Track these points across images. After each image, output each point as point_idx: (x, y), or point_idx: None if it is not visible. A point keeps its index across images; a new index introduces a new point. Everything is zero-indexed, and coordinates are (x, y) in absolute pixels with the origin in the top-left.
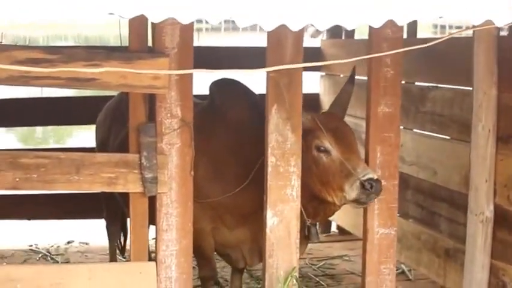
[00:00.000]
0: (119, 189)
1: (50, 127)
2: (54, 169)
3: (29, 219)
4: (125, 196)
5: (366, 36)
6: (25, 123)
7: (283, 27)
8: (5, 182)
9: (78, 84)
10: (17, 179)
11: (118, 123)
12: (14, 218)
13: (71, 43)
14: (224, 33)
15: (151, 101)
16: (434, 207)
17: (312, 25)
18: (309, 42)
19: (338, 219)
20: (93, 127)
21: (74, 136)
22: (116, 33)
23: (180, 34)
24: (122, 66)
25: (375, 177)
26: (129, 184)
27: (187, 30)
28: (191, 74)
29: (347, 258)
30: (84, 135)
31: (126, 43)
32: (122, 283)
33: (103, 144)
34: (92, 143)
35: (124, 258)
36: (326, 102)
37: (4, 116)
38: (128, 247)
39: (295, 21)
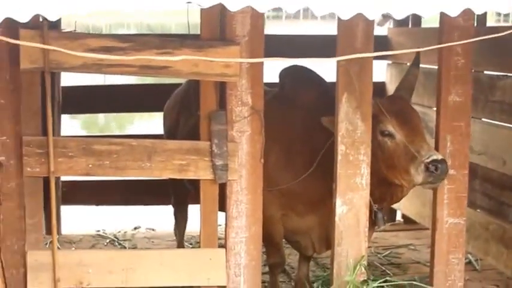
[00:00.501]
0: (190, 176)
1: (112, 114)
2: (126, 156)
3: (96, 204)
4: (194, 182)
5: (431, 25)
6: (90, 110)
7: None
8: (78, 168)
9: (150, 72)
10: (90, 165)
11: (186, 110)
12: (83, 203)
13: (133, 31)
14: (285, 21)
15: (222, 89)
16: (502, 197)
17: (389, 14)
18: (375, 30)
19: (403, 208)
20: (154, 115)
21: (135, 123)
22: (178, 21)
23: (251, 22)
24: (194, 54)
25: (439, 157)
26: (200, 171)
27: (258, 19)
28: (262, 62)
29: (412, 247)
30: (145, 123)
31: (189, 31)
32: (191, 269)
33: (171, 132)
34: (153, 130)
35: (190, 244)
36: (391, 90)
37: (70, 103)
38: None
39: (372, 10)
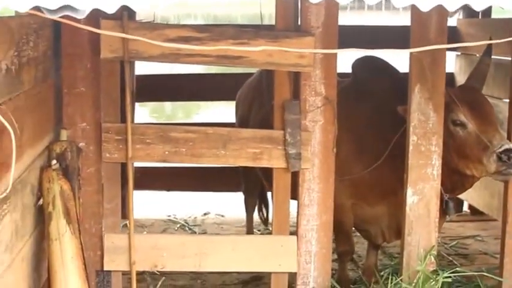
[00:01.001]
0: (264, 164)
1: (178, 102)
2: (202, 143)
3: (168, 190)
4: (266, 170)
5: (501, 16)
6: (159, 98)
7: None
8: (155, 154)
9: (226, 62)
10: (166, 152)
11: (259, 100)
12: (154, 188)
13: (200, 22)
14: (349, 12)
15: (295, 78)
16: None
17: (469, 5)
18: None
19: (470, 199)
20: (219, 103)
21: (200, 112)
22: (244, 12)
23: (325, 13)
24: (269, 45)
25: None
26: (273, 160)
27: (332, 10)
28: (335, 53)
29: (480, 238)
30: (211, 111)
31: (257, 21)
32: (263, 255)
33: (243, 120)
34: (217, 119)
35: (267, 229)
36: (460, 82)
37: (140, 91)
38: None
39: (452, 1)
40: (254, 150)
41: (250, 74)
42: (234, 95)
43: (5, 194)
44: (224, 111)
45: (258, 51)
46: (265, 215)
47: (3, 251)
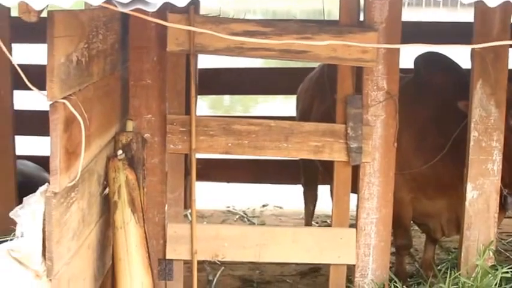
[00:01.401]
0: (325, 157)
1: (237, 96)
2: (265, 136)
3: (227, 182)
4: (325, 163)
5: None
6: (219, 91)
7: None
8: (218, 146)
9: (290, 56)
10: (229, 144)
11: (320, 94)
12: (214, 180)
13: (259, 17)
14: (407, 8)
15: (358, 73)
16: None
17: None
18: None
19: None
20: (277, 97)
21: (258, 105)
22: (302, 8)
23: (388, 9)
24: (333, 40)
25: None
26: (335, 153)
27: (395, 5)
28: (398, 48)
29: None
30: (269, 105)
31: (316, 17)
32: (322, 247)
33: (304, 114)
34: (275, 112)
35: (325, 222)
36: None
37: (201, 84)
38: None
39: None
40: (316, 144)
41: (308, 69)
42: (291, 90)
43: (73, 182)
44: (281, 105)
45: (321, 45)
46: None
47: (71, 238)
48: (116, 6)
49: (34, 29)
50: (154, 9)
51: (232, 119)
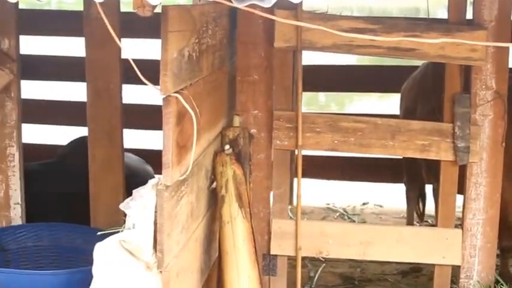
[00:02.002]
0: (431, 156)
1: (331, 94)
2: (371, 134)
3: (327, 179)
4: (430, 163)
5: None
6: (314, 89)
7: None
8: (324, 143)
9: (398, 54)
10: (336, 141)
11: (425, 93)
12: (314, 177)
13: (356, 14)
14: None
15: (465, 72)
16: None
17: None
18: None
19: None
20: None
21: (354, 103)
22: (399, 5)
23: (498, 7)
24: (442, 38)
25: None
26: (442, 152)
27: (505, 4)
28: (507, 47)
29: None
30: (364, 103)
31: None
32: (427, 247)
33: (409, 112)
34: (369, 110)
35: (424, 223)
36: None
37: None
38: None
39: None
40: (422, 142)
41: (402, 67)
42: (387, 87)
43: (184, 176)
44: (376, 103)
45: (430, 43)
46: (421, 208)
47: (180, 232)
48: (231, 2)
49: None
50: (269, 5)
51: (338, 116)
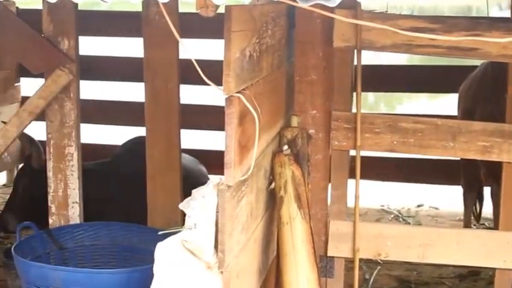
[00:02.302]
0: (493, 158)
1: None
2: (431, 135)
3: (382, 180)
4: (489, 164)
5: None
6: (364, 89)
7: None
8: (383, 144)
9: (459, 54)
10: (395, 142)
11: (484, 94)
12: (368, 178)
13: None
14: None
15: None
16: None
17: None
18: None
19: None
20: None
21: (404, 103)
22: (450, 4)
23: None
24: (505, 37)
25: None
26: (504, 154)
27: None
28: None
29: None
30: (413, 103)
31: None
32: (487, 250)
33: (467, 113)
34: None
35: (481, 225)
36: None
37: None
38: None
39: None
40: (484, 144)
41: (452, 67)
42: (438, 87)
43: (246, 176)
44: (426, 104)
45: (492, 43)
46: (478, 210)
47: (240, 232)
48: (296, 1)
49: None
50: (335, 5)
51: (397, 116)
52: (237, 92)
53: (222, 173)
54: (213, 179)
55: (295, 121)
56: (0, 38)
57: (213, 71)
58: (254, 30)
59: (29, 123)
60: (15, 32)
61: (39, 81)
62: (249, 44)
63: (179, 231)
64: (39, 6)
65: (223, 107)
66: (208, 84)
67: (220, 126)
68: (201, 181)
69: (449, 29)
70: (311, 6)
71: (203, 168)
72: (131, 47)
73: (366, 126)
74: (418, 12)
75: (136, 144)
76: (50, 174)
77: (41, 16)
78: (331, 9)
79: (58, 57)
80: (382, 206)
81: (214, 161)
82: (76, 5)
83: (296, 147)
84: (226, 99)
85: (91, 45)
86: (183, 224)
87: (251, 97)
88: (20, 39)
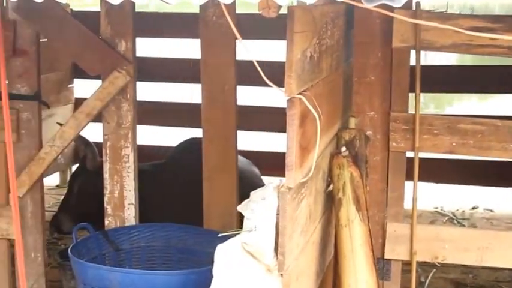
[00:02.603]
0: None
1: (430, 94)
2: (490, 136)
3: (436, 182)
4: None
5: None
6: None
7: None
8: (442, 145)
9: None
10: (454, 144)
11: None
12: (423, 180)
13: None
14: None
15: None
16: None
17: None
18: None
19: None
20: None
21: (454, 104)
22: (501, 2)
23: None
24: None
25: None
26: None
27: None
28: None
29: None
30: (464, 104)
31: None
32: None
33: None
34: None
35: None
36: None
37: None
38: None
39: None
40: None
41: (500, 67)
42: (489, 88)
43: (306, 178)
44: (476, 104)
45: None
46: None
47: (299, 234)
48: (361, 2)
49: None
50: (400, 5)
51: (456, 117)
52: (298, 94)
53: (273, 174)
54: (273, 181)
55: (353, 122)
56: (57, 39)
57: (267, 72)
58: (315, 31)
59: (86, 124)
60: (72, 34)
61: (93, 83)
62: (309, 45)
63: (238, 234)
64: (93, 8)
65: (275, 108)
66: (268, 85)
67: (272, 127)
68: (254, 182)
69: (510, 28)
70: (375, 6)
71: (256, 170)
72: (187, 48)
73: (425, 128)
74: (469, 10)
75: (192, 145)
76: (106, 175)
77: (95, 18)
78: (390, 10)
79: (115, 58)
80: (436, 208)
81: (265, 162)
82: (133, 6)
83: (354, 149)
84: (287, 100)
85: (147, 47)
86: (239, 225)
87: (312, 98)
88: (77, 41)
